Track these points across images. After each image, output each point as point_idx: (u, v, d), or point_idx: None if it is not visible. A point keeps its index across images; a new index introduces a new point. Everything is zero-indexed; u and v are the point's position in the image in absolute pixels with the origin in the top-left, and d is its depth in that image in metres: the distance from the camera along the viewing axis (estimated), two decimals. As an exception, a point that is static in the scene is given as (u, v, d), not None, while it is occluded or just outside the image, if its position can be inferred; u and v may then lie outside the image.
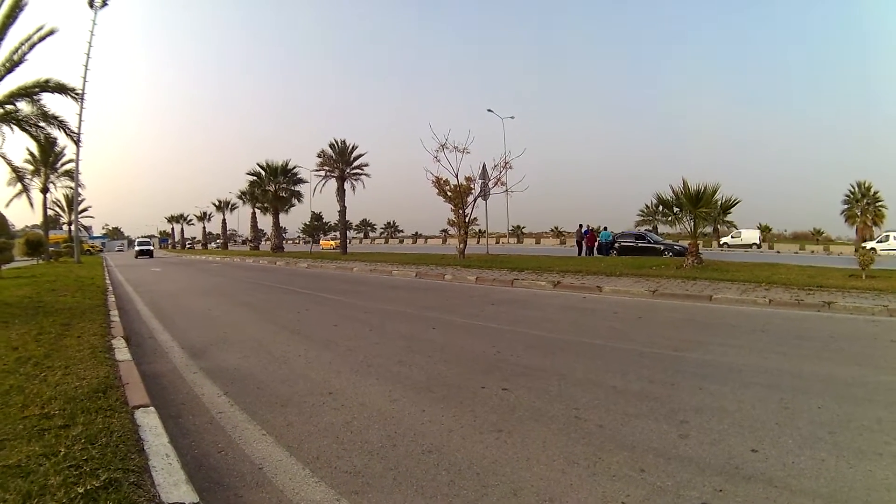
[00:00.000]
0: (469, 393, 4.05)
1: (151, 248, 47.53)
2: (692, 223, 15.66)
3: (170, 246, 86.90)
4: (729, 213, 17.16)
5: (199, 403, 3.82)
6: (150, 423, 3.14)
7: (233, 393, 4.06)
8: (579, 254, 26.62)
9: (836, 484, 2.55)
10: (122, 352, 5.22)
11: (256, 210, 46.24)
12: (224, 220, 65.20)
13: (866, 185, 46.95)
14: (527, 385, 4.24)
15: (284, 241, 48.54)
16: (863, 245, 30.21)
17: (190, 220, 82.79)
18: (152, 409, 3.41)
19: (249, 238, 58.92)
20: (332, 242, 55.28)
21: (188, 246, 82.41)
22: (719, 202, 15.81)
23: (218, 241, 68.69)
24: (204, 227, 76.44)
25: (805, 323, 7.27)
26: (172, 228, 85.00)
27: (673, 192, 15.90)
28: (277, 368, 4.87)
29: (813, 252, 41.93)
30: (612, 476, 2.66)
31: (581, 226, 28.69)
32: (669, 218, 16.74)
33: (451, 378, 4.48)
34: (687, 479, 2.61)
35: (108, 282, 15.20)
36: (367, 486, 2.52)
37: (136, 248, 47.71)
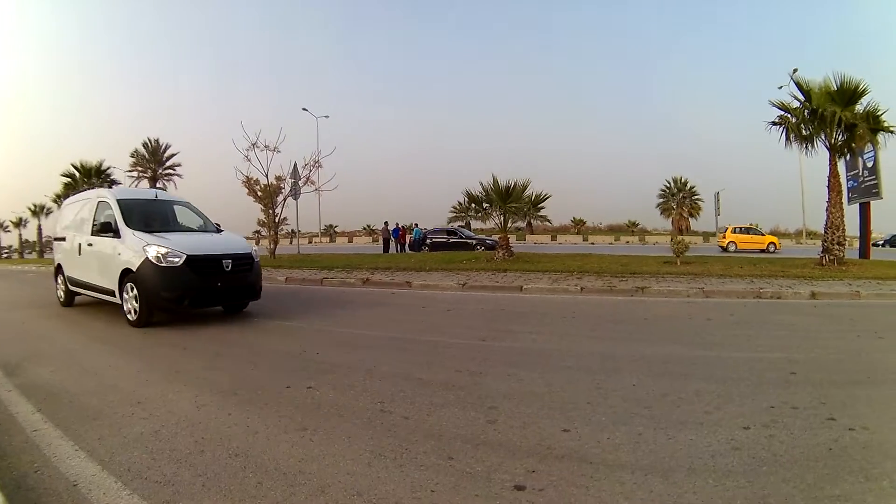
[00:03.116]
0: (274, 393, 3.96)
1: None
2: (502, 218, 16.48)
3: None
4: (542, 207, 17.93)
5: (15, 423, 3.64)
6: (-35, 448, 2.98)
7: (46, 409, 3.86)
8: (385, 251, 26.80)
9: (657, 455, 2.64)
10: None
11: (72, 214, 39.16)
12: (39, 225, 56.86)
13: (682, 180, 50.11)
14: (332, 382, 4.19)
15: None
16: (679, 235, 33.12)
17: (6, 227, 69.77)
18: (-33, 433, 3.23)
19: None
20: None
21: (5, 255, 69.74)
22: (530, 197, 16.71)
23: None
24: (20, 235, 65.33)
25: (618, 308, 7.70)
26: (-14, 236, 69.01)
27: (483, 188, 16.46)
28: (89, 380, 4.65)
29: (628, 242, 44.94)
30: (420, 465, 2.62)
31: (386, 223, 29.16)
32: (480, 214, 17.33)
33: (256, 380, 4.39)
34: (497, 462, 2.62)
35: None
36: (177, 494, 2.46)
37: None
